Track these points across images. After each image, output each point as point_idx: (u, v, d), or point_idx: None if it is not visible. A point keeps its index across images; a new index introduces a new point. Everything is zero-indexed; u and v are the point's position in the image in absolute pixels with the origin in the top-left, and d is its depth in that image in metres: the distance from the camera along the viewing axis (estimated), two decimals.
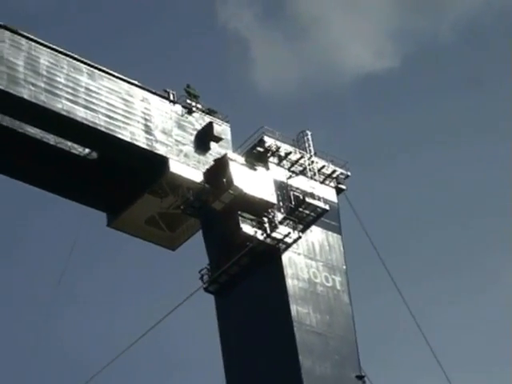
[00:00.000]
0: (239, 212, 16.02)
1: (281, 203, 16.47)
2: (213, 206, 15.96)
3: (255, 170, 16.30)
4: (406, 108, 39.86)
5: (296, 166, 16.80)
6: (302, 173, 16.75)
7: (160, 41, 37.81)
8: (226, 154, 16.00)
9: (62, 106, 15.34)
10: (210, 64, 38.20)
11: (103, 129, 15.40)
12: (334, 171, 17.12)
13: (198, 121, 16.25)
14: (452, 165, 38.57)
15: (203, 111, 16.43)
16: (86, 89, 15.43)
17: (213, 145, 16.17)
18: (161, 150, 15.49)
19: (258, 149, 16.46)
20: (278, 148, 16.54)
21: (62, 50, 15.85)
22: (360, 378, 16.03)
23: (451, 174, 38.65)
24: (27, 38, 15.55)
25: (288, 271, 16.03)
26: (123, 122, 15.69)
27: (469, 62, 41.45)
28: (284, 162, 16.55)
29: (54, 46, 15.92)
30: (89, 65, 15.75)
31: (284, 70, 41.21)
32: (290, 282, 15.88)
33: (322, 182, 16.92)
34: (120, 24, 41.00)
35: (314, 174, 16.79)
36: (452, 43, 43.99)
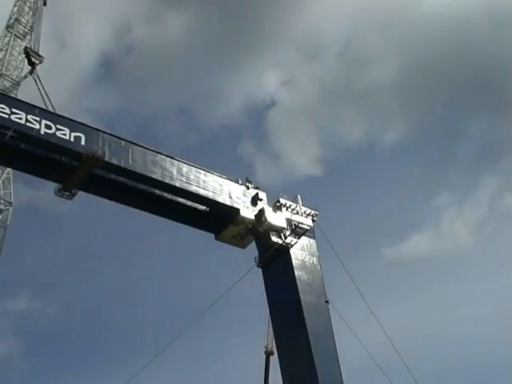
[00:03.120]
0: (270, 231, 32.82)
1: (288, 227, 32.59)
2: (259, 229, 32.45)
3: (276, 213, 33.64)
4: None
5: (293, 210, 33.66)
6: (297, 213, 33.46)
7: None
8: (263, 207, 32.45)
9: (194, 188, 30.59)
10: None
11: (211, 196, 31.31)
12: (310, 212, 33.88)
13: (251, 192, 32.47)
14: None
15: (254, 187, 32.73)
16: (203, 180, 31.27)
17: (259, 202, 32.25)
18: (236, 205, 31.56)
19: (277, 204, 33.71)
20: (285, 203, 34.37)
21: (191, 163, 31.79)
22: (327, 302, 32.17)
23: None
24: (175, 159, 32.79)
25: (293, 257, 32.16)
26: (219, 194, 31.37)
27: None
28: (289, 209, 34.15)
29: (188, 162, 33.03)
30: (204, 170, 31.80)
31: None
32: (294, 261, 31.99)
33: (306, 217, 33.72)
34: None
35: (302, 214, 33.78)
36: None
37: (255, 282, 33.74)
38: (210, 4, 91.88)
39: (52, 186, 30.10)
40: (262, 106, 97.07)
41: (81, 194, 30.35)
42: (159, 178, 30.67)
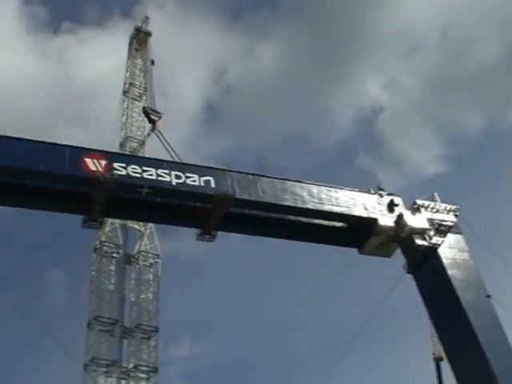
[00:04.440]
0: (413, 235, 31.49)
1: (431, 227, 31.53)
2: (401, 235, 31.57)
3: (415, 215, 32.18)
4: None
5: (433, 209, 32.37)
6: (437, 211, 32.36)
7: None
8: (401, 212, 31.62)
9: (327, 207, 30.55)
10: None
11: (346, 212, 30.77)
12: (451, 208, 32.69)
13: (386, 199, 31.83)
14: None
15: (387, 194, 32.13)
16: (335, 198, 31.00)
17: (395, 208, 31.51)
18: (373, 215, 31.04)
19: (415, 206, 32.42)
20: (423, 204, 32.62)
21: (320, 183, 31.95)
22: (488, 296, 30.42)
23: None
24: (303, 182, 33.53)
25: (442, 256, 30.99)
26: (353, 208, 30.90)
27: None
28: (428, 208, 32.45)
29: (316, 183, 32.42)
30: (333, 187, 31.54)
31: None
32: (444, 261, 30.81)
33: (447, 213, 32.49)
34: None
35: (443, 211, 32.51)
36: None
37: (406, 290, 32.99)
38: (297, 28, 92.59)
39: (188, 233, 31.35)
40: (371, 114, 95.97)
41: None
42: (292, 204, 30.72)
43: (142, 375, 46.03)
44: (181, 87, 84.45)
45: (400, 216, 32.04)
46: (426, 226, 32.04)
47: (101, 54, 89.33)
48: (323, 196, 31.89)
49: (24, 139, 27.28)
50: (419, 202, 32.95)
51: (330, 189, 32.23)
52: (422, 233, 32.01)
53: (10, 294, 37.04)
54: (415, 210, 32.69)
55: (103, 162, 27.57)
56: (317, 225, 32.38)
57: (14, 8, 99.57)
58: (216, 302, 76.77)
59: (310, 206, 31.01)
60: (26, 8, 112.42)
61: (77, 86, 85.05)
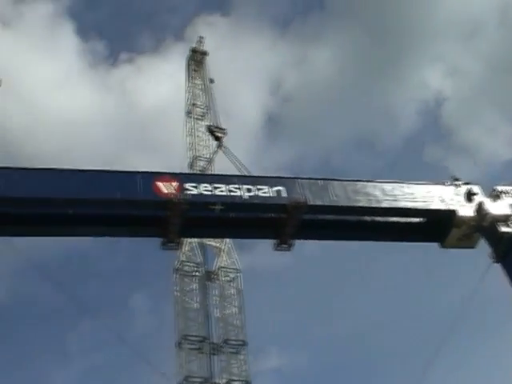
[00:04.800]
0: (496, 222, 29.90)
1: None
2: (483, 224, 30.15)
3: (496, 202, 30.66)
4: None
5: None
6: None
7: None
8: (481, 201, 30.34)
9: (403, 204, 29.84)
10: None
11: (423, 206, 29.87)
12: None
13: (463, 189, 30.68)
14: None
15: (463, 183, 30.98)
16: (410, 193, 30.10)
17: (474, 197, 30.30)
18: (452, 207, 29.94)
19: (494, 193, 30.87)
20: (503, 189, 30.91)
21: (392, 180, 31.15)
22: None
23: None
24: (375, 181, 33.21)
25: None
26: (430, 201, 29.95)
27: None
28: (508, 194, 30.77)
29: (389, 180, 33.11)
30: (406, 183, 30.72)
31: None
32: None
33: None
34: None
35: None
36: None
37: (492, 280, 31.73)
38: (347, 29, 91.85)
39: (264, 245, 31.34)
40: (434, 105, 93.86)
41: None
42: (366, 205, 30.21)
43: None
44: (240, 102, 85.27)
45: (480, 205, 30.83)
46: (509, 212, 30.80)
47: (159, 80, 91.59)
48: (397, 193, 31.22)
49: (98, 170, 28.10)
50: (499, 188, 31.66)
51: (403, 185, 31.52)
52: (505, 220, 30.61)
53: (101, 322, 38.05)
54: (495, 197, 31.43)
55: (175, 184, 27.90)
56: (394, 223, 31.65)
57: (75, 45, 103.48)
58: (299, 310, 76.55)
59: (385, 205, 30.39)
60: (86, 44, 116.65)
61: (139, 114, 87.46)
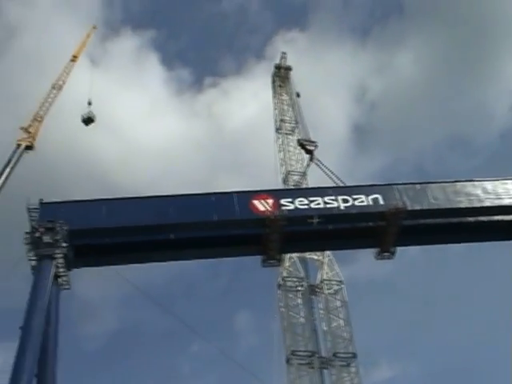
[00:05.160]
0: None
1: None
2: None
3: None
4: None
5: None
6: None
7: None
8: None
9: (507, 201, 28.99)
10: None
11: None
12: None
13: None
14: None
15: None
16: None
17: None
18: None
19: None
20: None
21: (493, 178, 30.23)
22: None
23: None
24: (475, 180, 31.27)
25: None
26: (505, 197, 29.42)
27: None
28: None
29: (489, 178, 30.32)
30: (508, 179, 30.01)
31: None
32: None
33: None
34: None
35: None
36: None
37: None
38: (429, 31, 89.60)
39: (364, 255, 30.99)
40: None
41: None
42: (468, 205, 29.35)
43: None
44: (326, 113, 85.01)
45: None
46: None
47: (244, 100, 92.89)
48: (500, 190, 30.27)
49: (194, 194, 28.80)
50: None
51: (505, 181, 30.52)
52: None
53: (209, 343, 38.73)
54: None
55: (270, 201, 28.24)
56: (499, 221, 30.21)
57: (160, 74, 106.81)
58: (403, 319, 74.76)
59: (488, 204, 29.47)
60: (171, 72, 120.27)
61: (228, 136, 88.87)
